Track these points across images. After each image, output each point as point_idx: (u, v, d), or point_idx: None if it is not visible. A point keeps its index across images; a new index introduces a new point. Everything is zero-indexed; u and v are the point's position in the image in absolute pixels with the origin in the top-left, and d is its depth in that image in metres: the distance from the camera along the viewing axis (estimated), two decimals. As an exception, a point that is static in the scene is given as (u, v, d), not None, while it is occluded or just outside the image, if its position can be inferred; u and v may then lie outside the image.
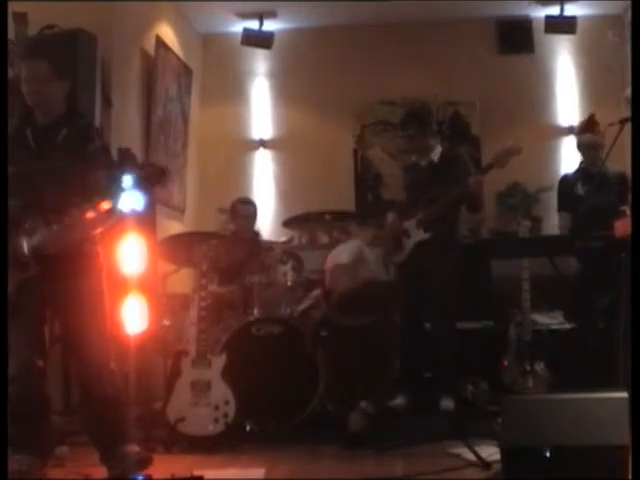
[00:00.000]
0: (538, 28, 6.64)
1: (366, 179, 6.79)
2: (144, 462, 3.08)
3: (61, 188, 2.92)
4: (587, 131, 4.75)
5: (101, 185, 2.89)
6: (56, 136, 3.03)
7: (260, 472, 3.31)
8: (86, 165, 2.96)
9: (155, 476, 3.09)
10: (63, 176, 2.95)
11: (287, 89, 7.06)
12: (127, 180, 2.79)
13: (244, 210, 5.39)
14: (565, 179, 5.00)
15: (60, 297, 3.03)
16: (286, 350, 4.23)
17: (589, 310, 4.71)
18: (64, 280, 2.99)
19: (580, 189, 4.65)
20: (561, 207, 4.87)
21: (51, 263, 2.93)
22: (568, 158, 6.69)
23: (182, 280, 5.23)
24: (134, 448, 3.12)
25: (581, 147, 4.84)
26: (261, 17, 6.64)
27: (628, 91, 4.07)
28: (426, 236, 4.62)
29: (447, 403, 4.42)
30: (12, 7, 4.05)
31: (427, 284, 4.55)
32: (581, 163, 4.94)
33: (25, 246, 2.89)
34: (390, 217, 4.93)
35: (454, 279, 4.50)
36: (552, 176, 6.61)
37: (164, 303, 4.85)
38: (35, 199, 2.93)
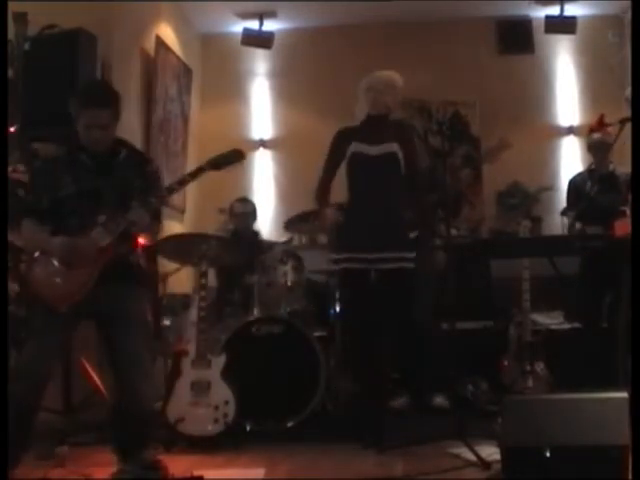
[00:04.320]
0: (538, 28, 6.64)
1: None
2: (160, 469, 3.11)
3: (121, 204, 3.04)
4: (597, 131, 4.75)
5: (153, 204, 3.10)
6: (115, 158, 3.17)
7: (260, 472, 3.31)
8: (143, 183, 3.14)
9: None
10: (124, 194, 3.08)
11: (287, 89, 7.06)
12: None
13: (241, 208, 5.41)
14: (574, 179, 5.00)
15: (106, 303, 3.07)
16: (286, 350, 4.23)
17: (589, 310, 4.71)
18: (111, 285, 3.05)
19: (589, 189, 4.64)
20: (569, 207, 4.87)
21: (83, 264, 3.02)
22: (568, 158, 6.72)
23: (182, 280, 5.23)
24: (155, 455, 3.18)
25: (591, 148, 4.84)
26: (261, 17, 6.64)
27: (628, 91, 4.08)
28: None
29: (438, 400, 4.41)
30: (12, 7, 4.05)
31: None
32: (590, 164, 4.93)
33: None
34: None
35: (436, 278, 4.51)
36: (552, 176, 6.64)
37: (164, 303, 4.86)
38: (92, 214, 3.04)
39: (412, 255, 4.06)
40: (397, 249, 4.03)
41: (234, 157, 3.37)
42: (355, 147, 4.15)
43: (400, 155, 4.11)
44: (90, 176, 3.11)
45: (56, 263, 3.01)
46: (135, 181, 3.14)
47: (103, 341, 3.14)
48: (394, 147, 4.10)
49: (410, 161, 4.14)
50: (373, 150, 4.13)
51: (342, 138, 4.25)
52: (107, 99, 3.14)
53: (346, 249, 4.10)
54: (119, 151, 3.20)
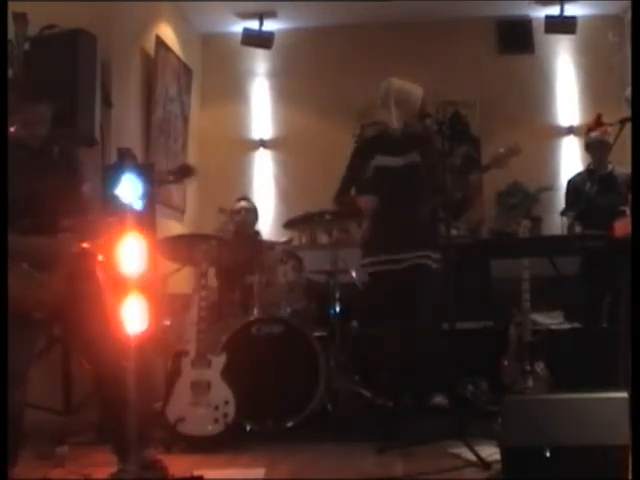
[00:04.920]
0: (538, 28, 6.65)
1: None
2: (160, 469, 3.11)
3: (64, 200, 3.02)
4: (595, 131, 4.76)
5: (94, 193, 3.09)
6: (50, 155, 3.14)
7: (260, 472, 3.31)
8: (81, 176, 3.15)
9: (155, 476, 3.10)
10: (64, 189, 3.06)
11: (287, 89, 7.07)
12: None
13: (243, 208, 5.42)
14: (573, 179, 5.00)
15: (62, 301, 3.04)
16: (286, 350, 4.23)
17: (589, 310, 4.71)
18: (65, 283, 3.02)
19: (588, 189, 4.64)
20: (569, 207, 4.87)
21: (53, 268, 2.98)
22: (568, 158, 6.72)
23: (182, 280, 5.23)
24: (155, 454, 3.17)
25: (589, 147, 4.85)
26: (261, 17, 6.65)
27: (628, 91, 4.08)
28: None
29: (437, 400, 4.39)
30: (12, 7, 4.05)
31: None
32: (589, 164, 4.94)
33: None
34: (366, 222, 4.95)
35: (436, 279, 4.52)
36: (552, 176, 6.64)
37: (164, 303, 4.85)
38: (44, 213, 3.01)
39: (437, 256, 4.20)
40: (424, 249, 4.18)
41: (185, 173, 3.46)
42: (379, 161, 4.29)
43: (423, 164, 4.25)
44: (33, 175, 3.05)
45: (30, 270, 2.96)
46: (76, 177, 3.13)
47: (77, 340, 3.15)
48: (417, 157, 4.25)
49: (433, 169, 4.24)
50: (398, 161, 4.27)
51: (364, 152, 4.40)
52: (43, 93, 3.13)
53: (376, 253, 4.25)
54: (55, 148, 3.17)
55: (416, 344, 4.16)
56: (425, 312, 4.23)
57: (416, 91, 4.35)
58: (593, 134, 4.77)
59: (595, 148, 4.76)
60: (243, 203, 5.48)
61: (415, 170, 4.24)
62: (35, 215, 3.00)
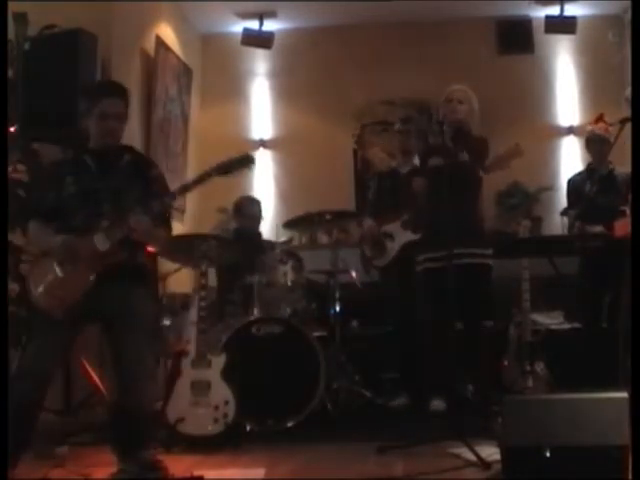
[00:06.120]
0: (538, 28, 6.65)
1: (366, 179, 6.78)
2: (160, 469, 3.10)
3: (121, 205, 3.07)
4: (596, 129, 4.75)
5: (156, 210, 3.09)
6: (118, 161, 3.21)
7: (260, 472, 3.31)
8: (146, 188, 3.16)
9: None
10: (124, 195, 3.11)
11: (287, 89, 7.07)
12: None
13: (252, 210, 5.35)
14: (574, 179, 4.99)
15: (111, 304, 3.07)
16: (286, 350, 4.23)
17: (589, 310, 4.71)
18: (116, 287, 3.06)
19: (589, 189, 4.63)
20: (570, 206, 4.86)
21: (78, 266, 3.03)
22: (568, 158, 6.72)
23: (182, 280, 5.23)
24: (155, 455, 3.17)
25: (590, 142, 4.83)
26: (261, 17, 6.65)
27: (628, 91, 4.09)
28: (415, 236, 4.64)
29: (435, 404, 4.37)
30: (12, 7, 4.05)
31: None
32: (589, 163, 4.94)
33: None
34: (366, 223, 4.95)
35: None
36: (552, 176, 6.64)
37: (164, 303, 4.86)
38: (97, 214, 3.07)
39: (489, 252, 4.26)
40: (476, 246, 4.20)
41: (244, 162, 3.33)
42: (433, 161, 4.33)
43: (471, 164, 4.31)
44: (91, 177, 3.13)
45: (56, 268, 3.02)
46: (137, 185, 3.15)
47: (108, 341, 3.14)
48: (465, 156, 4.28)
49: (476, 170, 4.35)
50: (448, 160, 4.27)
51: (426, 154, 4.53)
52: (123, 90, 3.31)
53: (430, 250, 4.23)
54: (123, 155, 3.23)
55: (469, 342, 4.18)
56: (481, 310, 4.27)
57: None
58: (593, 128, 4.75)
59: (595, 142, 4.73)
60: (253, 205, 5.42)
61: (464, 169, 4.27)
62: (85, 217, 3.07)
